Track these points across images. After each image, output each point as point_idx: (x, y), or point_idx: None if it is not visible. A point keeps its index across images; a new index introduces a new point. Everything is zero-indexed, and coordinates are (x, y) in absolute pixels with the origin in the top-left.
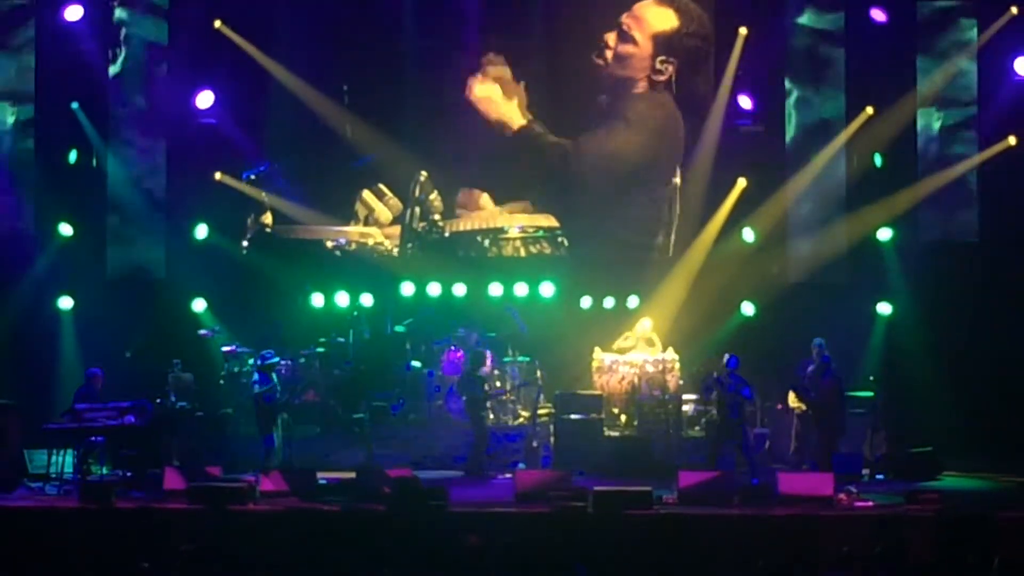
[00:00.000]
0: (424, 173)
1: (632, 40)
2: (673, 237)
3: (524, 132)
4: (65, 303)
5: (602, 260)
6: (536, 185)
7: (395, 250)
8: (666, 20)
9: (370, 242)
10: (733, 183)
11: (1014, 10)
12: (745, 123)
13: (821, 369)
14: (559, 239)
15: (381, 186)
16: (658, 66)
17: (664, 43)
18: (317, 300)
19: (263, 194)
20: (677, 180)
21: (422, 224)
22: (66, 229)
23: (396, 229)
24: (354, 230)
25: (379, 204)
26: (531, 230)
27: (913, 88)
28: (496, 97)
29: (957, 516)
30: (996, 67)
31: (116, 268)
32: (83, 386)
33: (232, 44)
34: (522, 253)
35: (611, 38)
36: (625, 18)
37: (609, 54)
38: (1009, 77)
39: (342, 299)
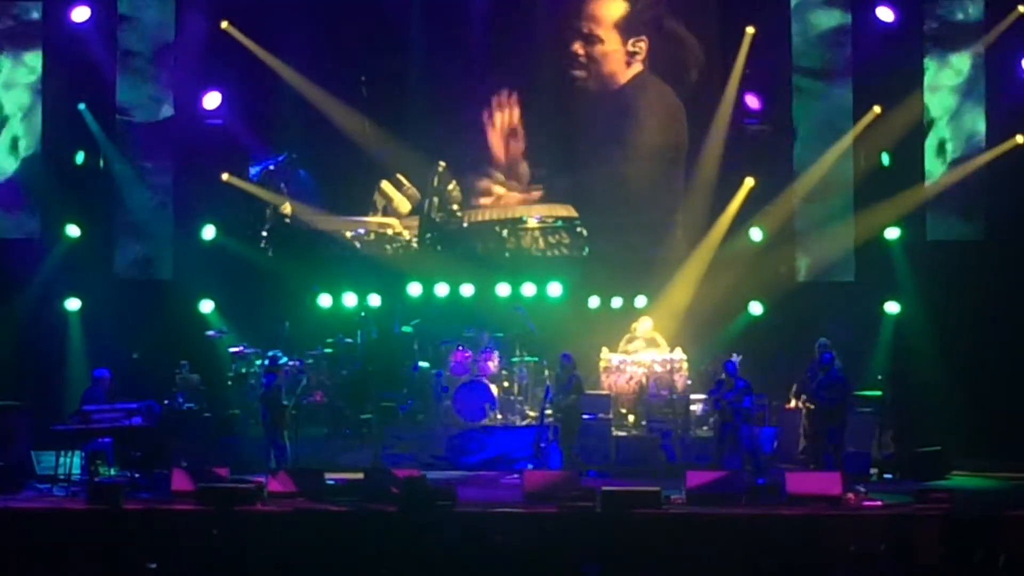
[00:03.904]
0: (442, 163)
1: (598, 39)
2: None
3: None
4: (73, 304)
5: (618, 255)
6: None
7: (414, 240)
8: (616, 8)
9: (389, 232)
10: (740, 182)
11: (1022, 8)
12: (752, 122)
13: (825, 368)
14: (578, 229)
15: (399, 176)
16: (631, 48)
17: (626, 27)
18: (325, 300)
19: (268, 192)
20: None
21: (440, 214)
22: (73, 230)
23: (415, 219)
24: (373, 220)
25: (397, 194)
26: (550, 220)
27: (920, 87)
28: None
29: (966, 516)
30: (1003, 66)
31: (123, 269)
32: (91, 387)
33: (239, 44)
34: (540, 244)
35: (578, 47)
36: (582, 24)
37: (584, 61)
38: (1016, 75)
39: (350, 299)
